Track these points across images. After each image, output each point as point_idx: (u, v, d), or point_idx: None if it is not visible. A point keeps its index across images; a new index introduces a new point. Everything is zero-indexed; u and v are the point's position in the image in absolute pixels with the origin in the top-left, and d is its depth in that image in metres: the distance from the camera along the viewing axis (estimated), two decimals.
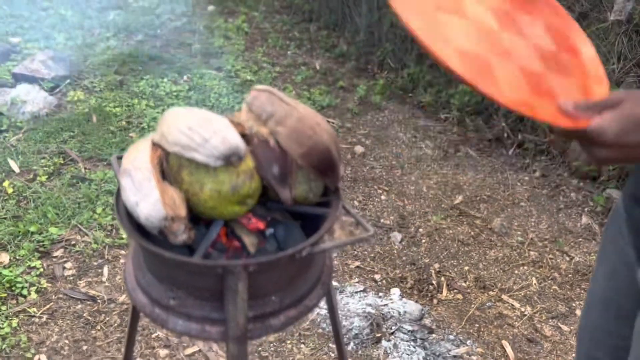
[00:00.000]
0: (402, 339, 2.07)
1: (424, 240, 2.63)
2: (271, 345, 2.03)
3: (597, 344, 1.29)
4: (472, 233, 2.70)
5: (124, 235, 2.41)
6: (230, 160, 0.98)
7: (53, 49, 3.86)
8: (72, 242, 2.36)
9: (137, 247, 1.12)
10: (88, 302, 2.12)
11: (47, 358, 1.90)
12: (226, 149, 0.97)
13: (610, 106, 0.85)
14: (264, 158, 1.04)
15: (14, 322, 1.99)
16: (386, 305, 2.21)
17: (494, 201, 2.95)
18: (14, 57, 3.73)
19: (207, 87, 3.66)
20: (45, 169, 2.74)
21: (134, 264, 1.13)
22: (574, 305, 2.34)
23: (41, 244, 2.32)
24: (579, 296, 2.38)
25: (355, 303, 2.22)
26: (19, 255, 2.24)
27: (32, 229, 2.35)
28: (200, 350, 1.98)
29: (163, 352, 1.96)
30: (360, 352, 2.02)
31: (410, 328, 2.11)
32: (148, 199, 0.96)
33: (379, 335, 2.08)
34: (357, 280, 2.36)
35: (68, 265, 2.27)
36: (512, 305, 2.31)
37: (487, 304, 2.30)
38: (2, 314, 2.01)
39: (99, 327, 2.03)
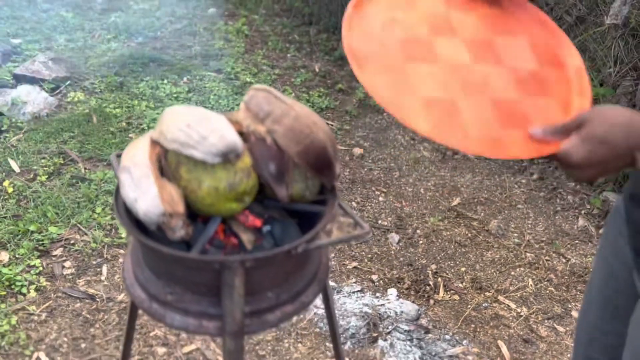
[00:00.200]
0: (398, 339, 2.09)
1: (421, 242, 2.64)
2: (268, 344, 2.04)
3: (595, 344, 1.30)
4: (469, 235, 2.71)
5: (123, 235, 2.43)
6: (227, 157, 0.99)
7: (54, 51, 3.89)
8: (72, 241, 2.38)
9: (136, 243, 1.14)
10: (87, 301, 2.13)
11: (46, 355, 1.91)
12: (224, 147, 0.99)
13: (577, 127, 0.87)
14: (261, 156, 1.06)
15: (13, 320, 2.00)
16: (383, 305, 2.23)
17: (491, 203, 2.96)
18: (15, 58, 3.74)
19: (207, 89, 3.67)
20: (45, 168, 2.76)
21: (132, 260, 1.14)
22: (569, 306, 2.35)
23: (41, 242, 2.33)
24: (575, 297, 2.39)
25: (352, 303, 2.23)
26: (19, 254, 2.26)
27: (32, 228, 2.37)
28: (198, 349, 1.99)
29: (161, 350, 1.97)
30: (357, 351, 2.03)
31: (406, 328, 2.13)
32: (147, 195, 0.98)
33: (375, 334, 2.09)
34: (354, 280, 2.37)
35: (67, 264, 2.28)
36: (508, 306, 2.32)
37: (484, 305, 2.31)
38: (2, 311, 2.02)
39: (97, 326, 2.04)
